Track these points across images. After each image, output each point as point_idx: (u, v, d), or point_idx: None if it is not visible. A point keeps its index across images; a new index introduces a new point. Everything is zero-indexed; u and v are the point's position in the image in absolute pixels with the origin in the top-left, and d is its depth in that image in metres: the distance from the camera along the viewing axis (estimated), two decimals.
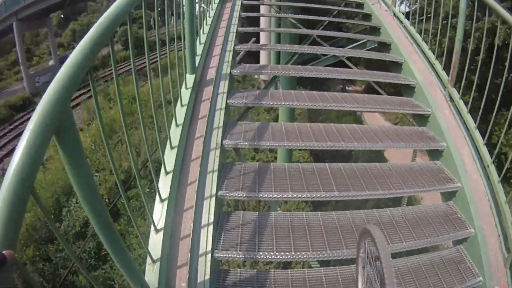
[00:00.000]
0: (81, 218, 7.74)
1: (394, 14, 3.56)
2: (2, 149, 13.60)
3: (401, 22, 3.40)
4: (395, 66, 3.06)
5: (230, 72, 2.56)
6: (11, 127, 15.64)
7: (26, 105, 17.97)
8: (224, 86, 2.40)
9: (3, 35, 21.76)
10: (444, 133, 2.31)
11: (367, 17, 3.98)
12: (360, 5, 4.22)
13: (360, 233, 1.39)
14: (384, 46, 3.35)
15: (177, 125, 1.94)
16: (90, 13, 35.04)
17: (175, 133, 1.89)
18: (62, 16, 30.65)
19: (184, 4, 2.21)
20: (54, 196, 8.48)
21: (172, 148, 1.80)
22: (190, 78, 2.27)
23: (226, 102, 2.29)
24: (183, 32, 2.25)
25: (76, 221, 7.84)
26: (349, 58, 3.35)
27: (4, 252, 0.61)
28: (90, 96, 15.11)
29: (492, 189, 2.03)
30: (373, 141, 2.23)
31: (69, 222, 7.82)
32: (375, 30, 3.64)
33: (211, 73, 2.50)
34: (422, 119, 2.57)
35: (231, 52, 2.76)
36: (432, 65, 2.80)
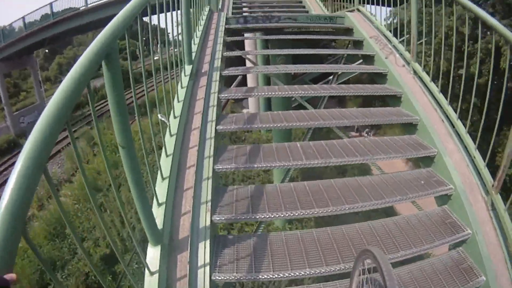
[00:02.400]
0: None
1: (416, 73, 3.11)
2: None
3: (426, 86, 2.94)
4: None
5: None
6: None
7: (11, 148, 18.02)
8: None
9: None
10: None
11: (381, 77, 3.36)
12: (369, 58, 3.66)
13: (358, 254, 1.43)
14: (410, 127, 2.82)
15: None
16: (76, 46, 36.32)
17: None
18: (46, 50, 31.65)
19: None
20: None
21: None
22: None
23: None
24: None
25: None
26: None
27: (6, 276, 0.63)
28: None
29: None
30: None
31: None
32: (394, 100, 3.08)
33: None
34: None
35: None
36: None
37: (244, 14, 8.42)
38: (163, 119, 1.89)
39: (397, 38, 3.62)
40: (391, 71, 3.25)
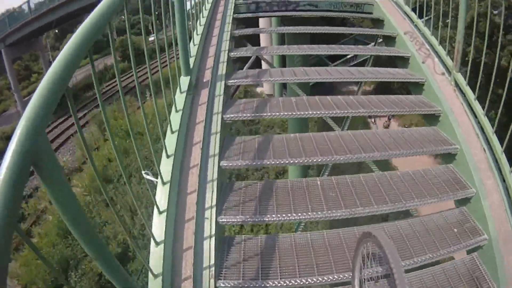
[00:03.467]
0: None
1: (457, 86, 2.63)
2: None
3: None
4: None
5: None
6: None
7: None
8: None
9: None
10: None
11: (417, 87, 2.84)
12: (403, 60, 3.11)
13: (360, 237, 1.41)
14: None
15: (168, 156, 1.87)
16: None
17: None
18: (56, 31, 31.67)
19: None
20: None
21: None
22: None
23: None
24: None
25: None
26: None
27: None
28: (82, 126, 15.19)
29: None
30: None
31: None
32: (431, 119, 2.63)
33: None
34: None
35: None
36: None
37: None
38: (149, 177, 1.56)
39: (437, 39, 3.08)
40: (429, 81, 2.77)
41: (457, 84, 2.69)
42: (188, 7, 2.87)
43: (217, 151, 1.99)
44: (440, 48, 2.99)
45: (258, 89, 18.54)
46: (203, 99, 2.27)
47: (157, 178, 1.68)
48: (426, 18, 3.33)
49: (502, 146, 2.19)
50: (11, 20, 19.40)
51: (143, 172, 1.53)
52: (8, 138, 17.90)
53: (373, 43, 3.94)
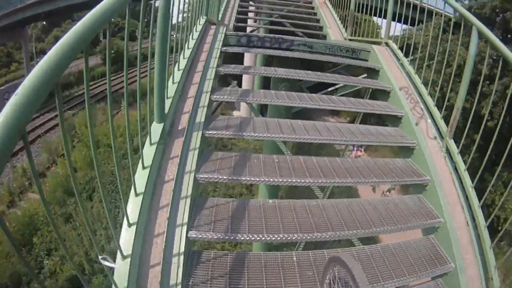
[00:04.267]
0: None
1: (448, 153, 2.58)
2: None
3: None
4: None
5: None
6: None
7: None
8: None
9: None
10: None
11: (407, 151, 2.77)
12: (395, 119, 3.02)
13: (327, 262, 1.50)
14: None
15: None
16: (76, 20, 35.52)
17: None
18: (44, 22, 31.00)
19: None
20: None
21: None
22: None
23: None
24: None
25: None
26: None
27: None
28: (48, 130, 14.65)
29: None
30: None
31: None
32: (418, 187, 2.54)
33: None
34: None
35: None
36: None
37: (249, 30, 7.69)
38: (107, 263, 1.33)
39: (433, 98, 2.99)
40: (420, 146, 2.67)
41: (448, 151, 2.61)
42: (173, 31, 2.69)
43: (186, 220, 1.76)
44: (435, 110, 2.91)
45: (235, 113, 18.61)
46: (176, 151, 2.04)
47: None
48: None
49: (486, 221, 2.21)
50: (1, 3, 18.85)
51: (100, 257, 1.30)
52: None
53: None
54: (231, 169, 2.16)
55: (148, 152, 1.87)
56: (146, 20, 1.87)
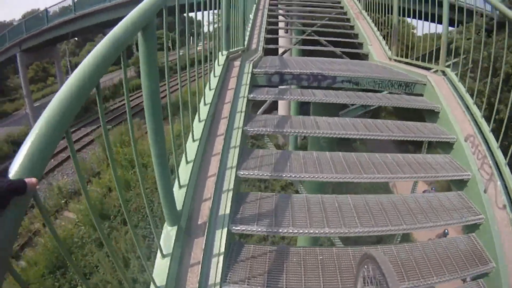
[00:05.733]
0: None
1: None
2: None
3: None
4: None
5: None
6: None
7: None
8: None
9: (11, 63, 23.13)
10: None
11: (472, 227, 2.33)
12: (458, 183, 2.58)
13: (360, 260, 1.58)
14: None
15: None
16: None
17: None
18: (76, 38, 32.78)
19: None
20: None
21: None
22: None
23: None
24: None
25: None
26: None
27: (26, 179, 0.63)
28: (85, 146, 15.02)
29: None
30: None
31: None
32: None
33: None
34: None
35: None
36: None
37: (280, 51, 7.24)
38: None
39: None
40: (487, 220, 2.20)
41: None
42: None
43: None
44: (506, 169, 2.41)
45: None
46: (197, 256, 1.74)
47: None
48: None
49: None
50: (28, 25, 20.05)
51: None
52: (13, 142, 18.52)
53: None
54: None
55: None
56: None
